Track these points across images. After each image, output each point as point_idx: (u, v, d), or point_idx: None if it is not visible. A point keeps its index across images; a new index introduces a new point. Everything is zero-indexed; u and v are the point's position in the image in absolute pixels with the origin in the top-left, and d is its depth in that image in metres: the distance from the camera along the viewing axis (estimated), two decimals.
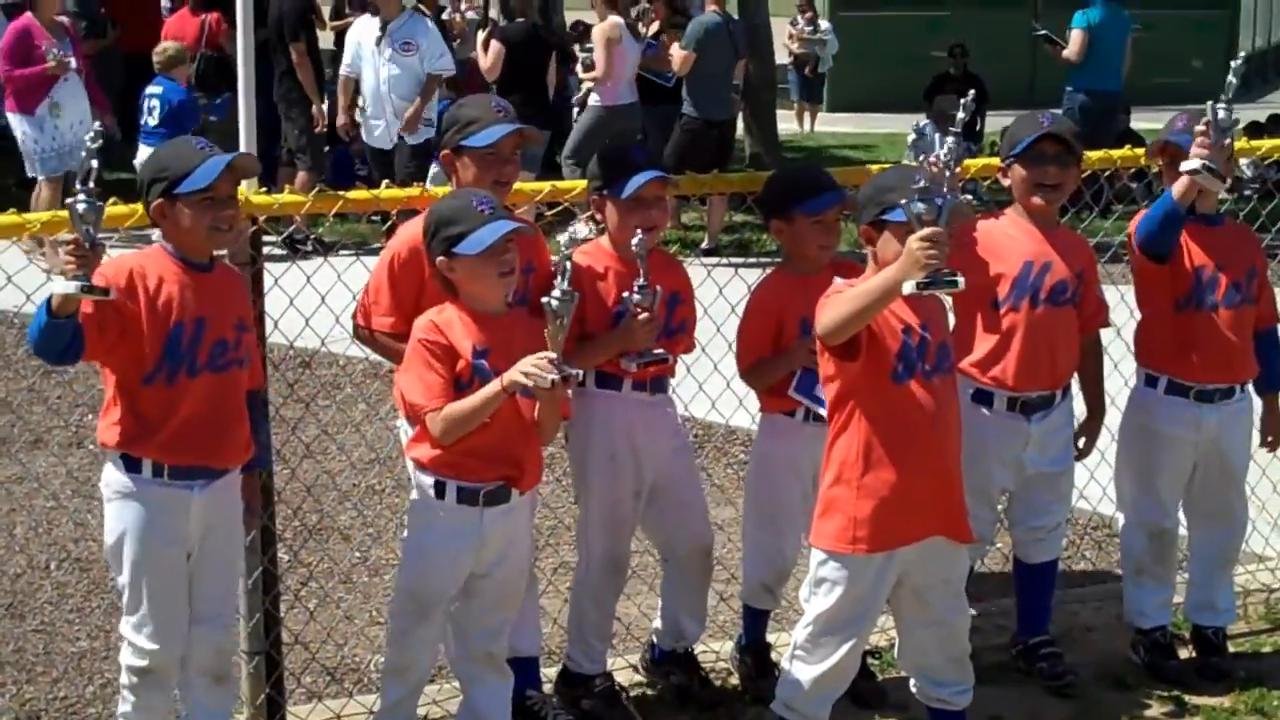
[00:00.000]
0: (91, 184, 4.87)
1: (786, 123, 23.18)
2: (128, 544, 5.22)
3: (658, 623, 6.38)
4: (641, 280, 5.68)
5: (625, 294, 5.72)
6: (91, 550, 7.93)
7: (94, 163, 4.89)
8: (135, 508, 5.20)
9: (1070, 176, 6.26)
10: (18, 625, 7.15)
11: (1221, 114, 6.06)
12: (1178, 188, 6.13)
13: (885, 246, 5.27)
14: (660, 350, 5.82)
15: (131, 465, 5.21)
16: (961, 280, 4.98)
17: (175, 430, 5.15)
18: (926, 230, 4.88)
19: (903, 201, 5.04)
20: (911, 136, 5.13)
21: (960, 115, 5.45)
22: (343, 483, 8.48)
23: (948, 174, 5.03)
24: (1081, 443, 6.52)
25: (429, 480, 5.39)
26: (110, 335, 5.04)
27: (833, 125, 27.35)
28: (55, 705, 6.46)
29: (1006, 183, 6.28)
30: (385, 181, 6.93)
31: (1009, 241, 6.21)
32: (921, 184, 4.95)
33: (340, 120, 14.71)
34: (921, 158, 5.06)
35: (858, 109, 28.06)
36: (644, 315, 5.68)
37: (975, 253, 6.10)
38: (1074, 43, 16.66)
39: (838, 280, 5.28)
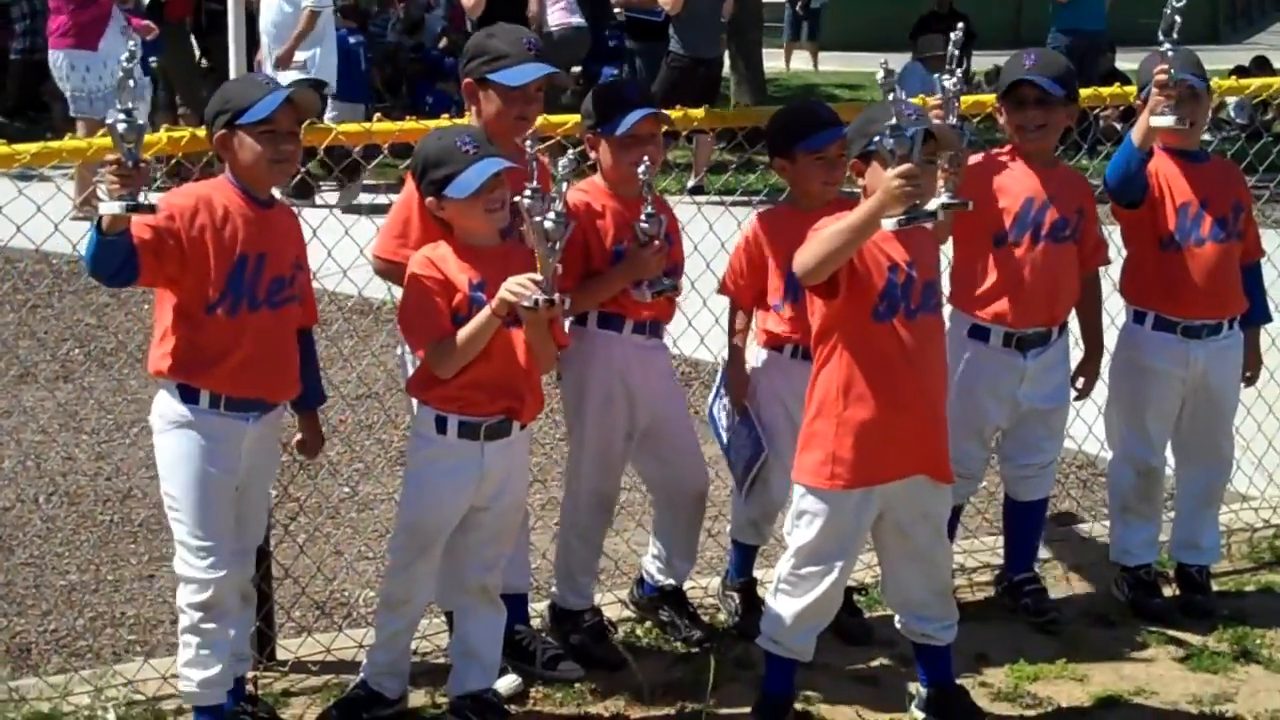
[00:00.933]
0: (131, 104, 4.92)
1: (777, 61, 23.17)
2: (185, 472, 5.26)
3: (647, 559, 6.41)
4: (649, 208, 5.70)
5: (634, 223, 5.74)
6: (79, 484, 7.97)
7: (131, 82, 4.94)
8: (193, 436, 5.25)
9: (1056, 116, 6.27)
10: (7, 558, 7.17)
11: (1171, 53, 6.10)
12: (1136, 132, 6.19)
13: (873, 178, 5.30)
14: (669, 280, 5.85)
15: (188, 395, 5.25)
16: (940, 213, 5.02)
17: (238, 363, 5.21)
18: (903, 166, 4.93)
19: (876, 138, 5.07)
20: (880, 75, 5.11)
21: (952, 50, 5.46)
22: (332, 417, 8.49)
23: (954, 103, 5.06)
24: (1080, 383, 6.55)
25: (430, 415, 5.41)
26: (170, 265, 5.12)
27: (821, 64, 27.31)
28: (45, 638, 6.49)
29: (1004, 121, 6.31)
30: None
31: (1011, 179, 6.23)
32: (893, 120, 4.98)
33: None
34: (892, 96, 5.05)
35: (846, 48, 27.99)
36: (657, 244, 5.71)
37: (980, 188, 6.11)
38: None
39: (824, 219, 5.30)
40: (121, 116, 4.88)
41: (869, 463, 5.33)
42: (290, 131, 5.31)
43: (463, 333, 5.26)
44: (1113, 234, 6.70)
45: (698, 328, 7.11)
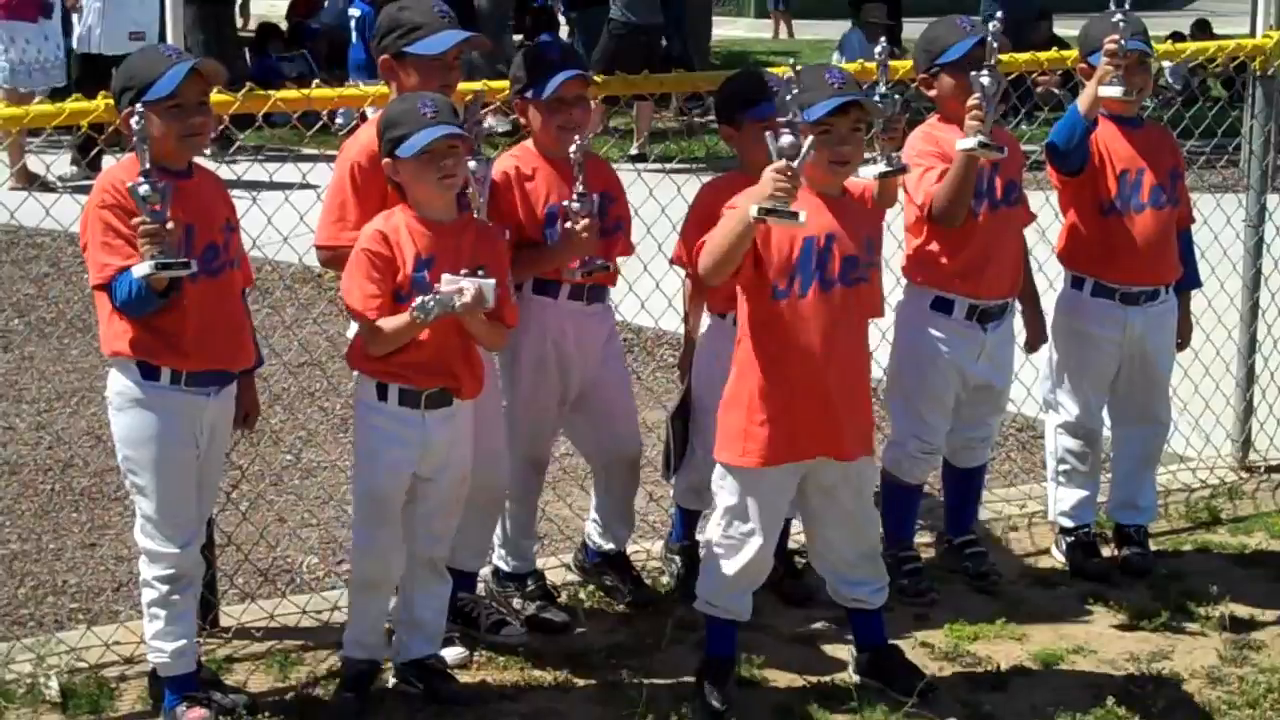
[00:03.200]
0: (148, 164, 4.92)
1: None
2: (148, 451, 5.23)
3: (589, 524, 6.43)
4: (580, 188, 5.69)
5: (564, 201, 5.72)
6: (20, 453, 7.95)
7: (146, 146, 4.92)
8: (155, 414, 5.21)
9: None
10: None
11: (1122, 23, 6.14)
12: (1083, 101, 6.22)
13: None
14: (602, 260, 5.84)
15: (148, 373, 5.20)
16: (802, 215, 5.03)
17: (193, 337, 5.17)
18: (781, 162, 4.97)
19: (767, 134, 5.10)
20: (790, 73, 5.22)
21: (992, 42, 5.82)
22: (274, 385, 8.47)
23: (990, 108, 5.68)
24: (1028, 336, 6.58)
25: (371, 384, 5.41)
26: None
27: (760, 31, 27.36)
28: None
29: (931, 93, 6.29)
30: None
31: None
32: (790, 117, 5.02)
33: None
34: (790, 98, 5.12)
35: (820, 16, 28.03)
36: (584, 222, 5.70)
37: (932, 156, 6.12)
38: None
39: (736, 198, 5.24)
40: (141, 179, 4.89)
41: (777, 440, 5.33)
42: (200, 103, 5.20)
43: (395, 323, 5.23)
44: (1050, 198, 6.74)
45: (639, 293, 7.12)
